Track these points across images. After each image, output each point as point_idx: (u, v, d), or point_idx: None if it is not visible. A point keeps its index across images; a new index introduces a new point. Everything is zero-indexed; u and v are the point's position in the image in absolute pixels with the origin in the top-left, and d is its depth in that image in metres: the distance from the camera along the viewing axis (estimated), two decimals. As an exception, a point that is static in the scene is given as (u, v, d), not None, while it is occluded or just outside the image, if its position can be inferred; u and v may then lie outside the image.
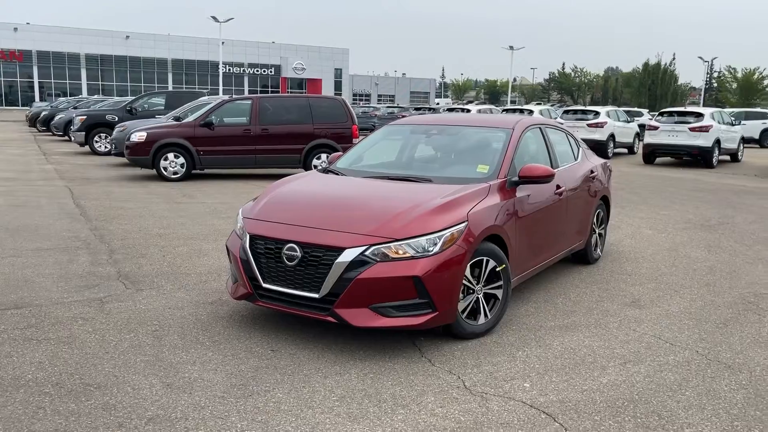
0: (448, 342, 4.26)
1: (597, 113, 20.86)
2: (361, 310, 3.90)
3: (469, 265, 4.20)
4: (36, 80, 65.78)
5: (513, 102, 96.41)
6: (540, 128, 5.79)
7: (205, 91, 21.86)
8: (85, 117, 18.98)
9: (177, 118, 14.05)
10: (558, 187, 5.50)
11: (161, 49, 70.20)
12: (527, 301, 5.24)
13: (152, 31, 73.80)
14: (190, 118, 13.23)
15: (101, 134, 18.38)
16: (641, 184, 13.82)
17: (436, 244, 3.97)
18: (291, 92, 77.08)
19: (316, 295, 3.98)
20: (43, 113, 28.19)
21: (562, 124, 8.59)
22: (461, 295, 4.23)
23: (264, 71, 75.83)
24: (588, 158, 6.57)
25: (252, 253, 4.27)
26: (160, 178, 12.79)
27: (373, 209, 4.23)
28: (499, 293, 4.48)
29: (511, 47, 61.62)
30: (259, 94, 13.92)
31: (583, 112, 21.70)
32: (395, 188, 4.68)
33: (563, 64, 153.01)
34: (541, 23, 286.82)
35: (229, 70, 73.87)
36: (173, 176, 12.77)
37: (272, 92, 76.06)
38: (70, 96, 49.53)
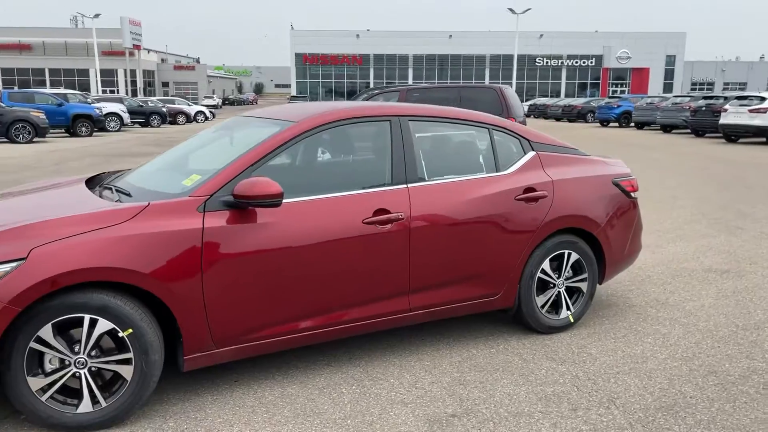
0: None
1: None
2: None
3: (51, 324, 2.83)
4: (371, 80, 73.31)
5: None
6: (401, 121, 3.78)
7: (397, 84, 21.28)
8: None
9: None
10: (383, 211, 3.53)
11: (480, 45, 71.83)
12: (275, 381, 3.47)
13: (472, 29, 75.98)
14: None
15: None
16: None
17: None
18: (612, 83, 71.93)
19: None
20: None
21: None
22: (41, 370, 2.87)
23: (583, 62, 71.99)
24: (546, 168, 4.16)
25: None
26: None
27: None
28: (127, 372, 2.97)
29: None
30: (407, 85, 12.79)
31: None
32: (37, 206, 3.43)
33: None
34: None
35: (546, 62, 72.18)
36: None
37: (591, 84, 71.93)
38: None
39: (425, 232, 3.65)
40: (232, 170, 3.29)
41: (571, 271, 4.25)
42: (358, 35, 73.23)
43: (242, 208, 3.19)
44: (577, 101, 39.97)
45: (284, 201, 3.33)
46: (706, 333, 4.23)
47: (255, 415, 3.13)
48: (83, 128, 24.91)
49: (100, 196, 3.45)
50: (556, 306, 4.23)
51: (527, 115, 46.09)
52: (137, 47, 63.03)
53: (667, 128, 26.92)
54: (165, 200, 3.14)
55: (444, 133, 4.04)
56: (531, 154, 4.19)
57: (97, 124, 25.62)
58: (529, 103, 47.73)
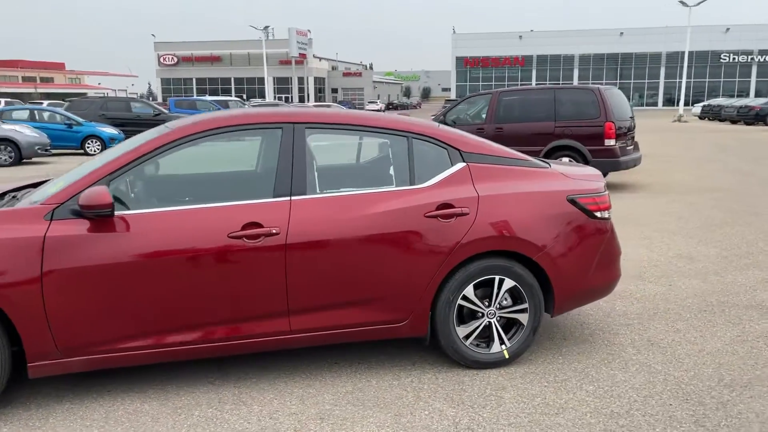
0: None
1: None
2: None
3: None
4: (533, 81, 71.10)
5: None
6: (295, 128, 3.49)
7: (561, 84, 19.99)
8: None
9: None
10: (254, 225, 3.29)
11: (656, 43, 66.70)
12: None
13: (647, 26, 70.90)
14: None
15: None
16: None
17: None
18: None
19: None
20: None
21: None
22: None
23: (778, 57, 64.06)
24: (477, 182, 3.63)
25: None
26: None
27: None
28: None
29: None
30: (501, 89, 12.02)
31: None
32: None
33: None
34: None
35: (734, 59, 65.27)
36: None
37: (787, 82, 63.80)
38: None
39: (307, 249, 3.35)
40: (88, 178, 3.25)
41: (509, 300, 3.69)
42: (520, 36, 71.46)
43: (85, 218, 3.14)
44: (756, 102, 35.51)
45: (140, 212, 3.24)
46: (672, 385, 3.45)
47: (89, 430, 3.05)
48: (234, 132, 26.86)
49: None
50: (483, 337, 3.69)
51: (701, 117, 41.85)
52: (303, 56, 67.04)
53: None
54: (13, 207, 3.18)
55: (350, 141, 3.69)
56: (459, 165, 3.69)
57: (248, 128, 27.50)
58: (702, 104, 43.38)
